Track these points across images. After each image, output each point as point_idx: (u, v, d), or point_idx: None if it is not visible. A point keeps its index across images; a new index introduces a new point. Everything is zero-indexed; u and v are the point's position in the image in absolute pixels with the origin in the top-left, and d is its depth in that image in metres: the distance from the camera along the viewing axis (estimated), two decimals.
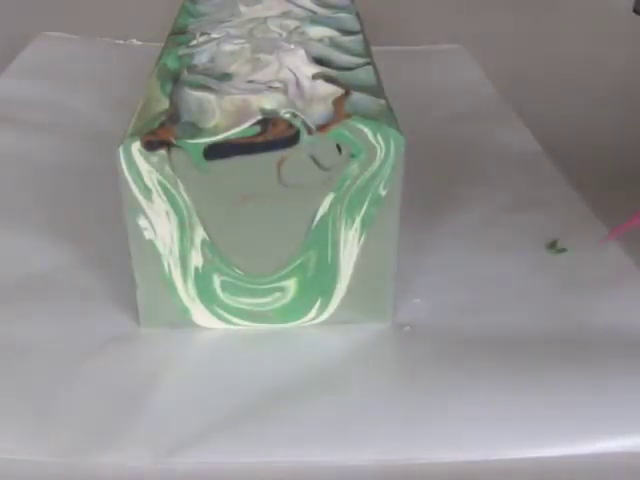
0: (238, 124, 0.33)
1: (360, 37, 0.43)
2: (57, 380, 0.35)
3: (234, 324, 0.38)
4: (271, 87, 0.35)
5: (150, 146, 0.33)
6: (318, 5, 0.47)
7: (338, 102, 0.34)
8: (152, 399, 0.34)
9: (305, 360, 0.36)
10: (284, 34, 0.42)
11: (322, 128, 0.33)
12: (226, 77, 0.37)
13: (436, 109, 0.62)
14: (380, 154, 0.34)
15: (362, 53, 0.40)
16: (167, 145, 0.33)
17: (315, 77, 0.37)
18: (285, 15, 0.44)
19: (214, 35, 0.41)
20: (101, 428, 0.32)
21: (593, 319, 0.39)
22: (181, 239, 0.35)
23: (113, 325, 0.38)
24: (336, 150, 0.34)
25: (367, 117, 0.33)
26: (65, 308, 0.39)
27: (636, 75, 0.71)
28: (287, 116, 0.33)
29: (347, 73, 0.38)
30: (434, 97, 0.64)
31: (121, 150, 0.33)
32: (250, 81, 0.36)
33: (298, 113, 0.33)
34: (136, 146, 0.33)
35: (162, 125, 0.33)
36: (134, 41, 0.75)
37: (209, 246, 0.36)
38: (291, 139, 0.33)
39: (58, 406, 0.33)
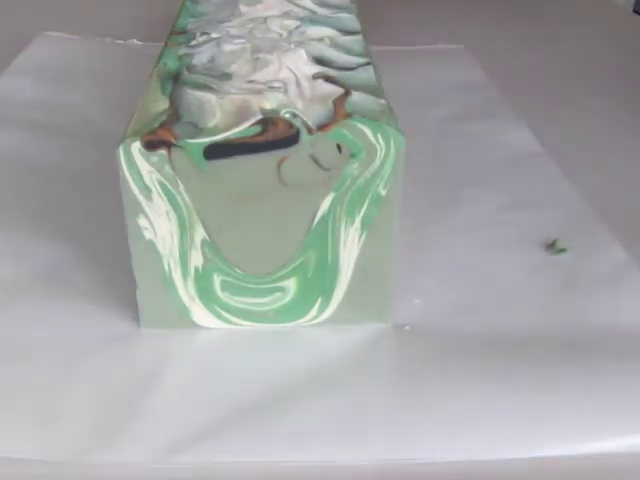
0: (238, 124, 0.33)
1: (360, 37, 0.43)
2: (57, 380, 0.35)
3: (234, 324, 0.38)
4: (271, 87, 0.35)
5: (150, 146, 0.33)
6: (318, 5, 0.47)
7: (338, 102, 0.34)
8: (152, 399, 0.34)
9: (305, 360, 0.36)
10: (284, 34, 0.42)
11: (322, 128, 0.33)
12: (226, 77, 0.37)
13: (436, 109, 0.62)
14: (380, 154, 0.34)
15: (362, 53, 0.40)
16: (167, 145, 0.33)
17: (315, 77, 0.37)
18: (285, 15, 0.45)
19: (214, 35, 0.41)
20: (101, 428, 0.32)
21: (593, 319, 0.39)
22: (181, 239, 0.35)
23: (113, 325, 0.38)
24: (336, 150, 0.34)
25: (367, 117, 0.33)
26: (65, 308, 0.39)
27: (636, 75, 0.71)
28: (287, 116, 0.33)
29: (347, 73, 0.38)
30: (434, 97, 0.64)
31: (121, 150, 0.33)
32: (250, 81, 0.36)
33: (298, 113, 0.33)
34: (136, 146, 0.33)
35: (162, 125, 0.33)
36: (134, 41, 0.75)
37: (209, 246, 0.36)
38: (291, 139, 0.33)
39: (58, 406, 0.33)
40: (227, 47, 0.39)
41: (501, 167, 0.54)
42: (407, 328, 0.38)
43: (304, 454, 0.32)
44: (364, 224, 0.36)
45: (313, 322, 0.38)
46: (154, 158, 0.33)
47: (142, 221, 0.35)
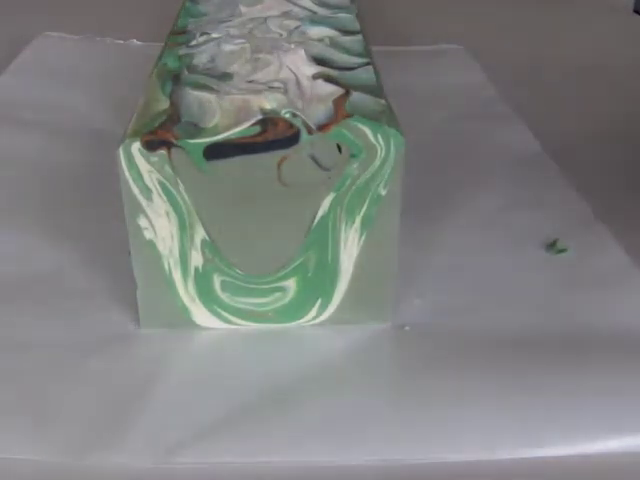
0: (238, 124, 0.33)
1: (360, 37, 0.43)
2: (57, 380, 0.35)
3: (234, 324, 0.38)
4: (271, 87, 0.35)
5: (150, 146, 0.33)
6: (318, 5, 0.47)
7: (338, 102, 0.34)
8: (152, 399, 0.34)
9: (305, 360, 0.36)
10: (284, 34, 0.42)
11: (322, 128, 0.33)
12: (226, 77, 0.37)
13: (436, 109, 0.62)
14: (380, 154, 0.34)
15: (362, 53, 0.40)
16: (167, 145, 0.33)
17: (315, 77, 0.37)
18: (285, 15, 0.45)
19: (214, 35, 0.41)
20: (101, 428, 0.32)
21: (593, 319, 0.39)
22: (181, 239, 0.35)
23: (113, 325, 0.38)
24: (336, 150, 0.34)
25: (367, 117, 0.33)
26: (65, 308, 0.39)
27: (636, 75, 0.71)
28: (287, 116, 0.33)
29: (347, 73, 0.38)
30: (434, 97, 0.64)
31: (121, 150, 0.33)
32: (250, 81, 0.36)
33: (298, 113, 0.33)
34: (136, 146, 0.33)
35: (162, 125, 0.33)
36: (134, 41, 0.75)
37: (209, 246, 0.36)
38: (291, 139, 0.33)
39: (58, 406, 0.33)
40: (227, 47, 0.39)
41: (501, 167, 0.54)
42: (407, 328, 0.38)
43: (304, 454, 0.32)
44: (364, 224, 0.36)
45: (313, 322, 0.38)
46: (154, 158, 0.33)
47: (142, 221, 0.35)
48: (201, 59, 0.39)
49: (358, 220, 0.36)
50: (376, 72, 0.39)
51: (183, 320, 0.38)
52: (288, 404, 0.34)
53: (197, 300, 0.37)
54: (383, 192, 0.35)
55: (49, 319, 0.38)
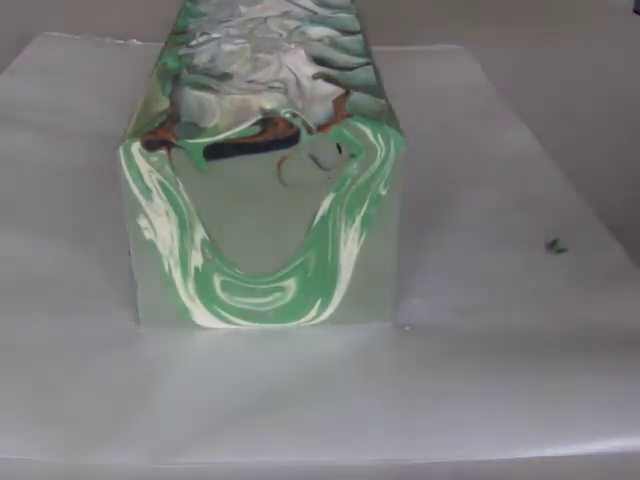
0: (238, 124, 0.33)
1: (360, 37, 0.43)
2: (57, 380, 0.35)
3: (234, 324, 0.38)
4: (271, 87, 0.35)
5: (150, 146, 0.33)
6: (318, 5, 0.47)
7: (338, 102, 0.34)
8: (152, 399, 0.34)
9: (305, 360, 0.36)
10: (284, 34, 0.42)
11: (322, 128, 0.33)
12: (226, 77, 0.37)
13: (436, 109, 0.62)
14: (380, 154, 0.34)
15: (362, 53, 0.40)
16: (167, 145, 0.33)
17: (315, 77, 0.37)
18: (285, 15, 0.45)
19: (214, 35, 0.41)
20: (101, 428, 0.32)
21: (593, 319, 0.39)
22: (181, 239, 0.35)
23: (113, 325, 0.38)
24: (336, 150, 0.34)
25: (367, 117, 0.33)
26: (65, 308, 0.39)
27: (636, 75, 0.71)
28: (287, 116, 0.33)
29: (347, 73, 0.38)
30: (434, 97, 0.64)
31: (121, 150, 0.33)
32: (250, 81, 0.36)
33: (298, 113, 0.33)
34: (136, 146, 0.33)
35: (162, 125, 0.33)
36: (134, 41, 0.75)
37: (209, 246, 0.36)
38: (291, 139, 0.33)
39: (58, 406, 0.33)
40: (227, 47, 0.39)
41: (501, 167, 0.54)
42: (407, 328, 0.38)
43: (304, 454, 0.32)
44: (364, 224, 0.36)
45: (313, 322, 0.38)
46: (154, 158, 0.33)
47: (142, 221, 0.35)
48: (201, 59, 0.39)
49: (358, 220, 0.36)
50: (376, 72, 0.39)
51: (183, 320, 0.38)
52: (288, 404, 0.34)
53: (197, 300, 0.37)
54: (383, 192, 0.35)
55: (49, 319, 0.38)
